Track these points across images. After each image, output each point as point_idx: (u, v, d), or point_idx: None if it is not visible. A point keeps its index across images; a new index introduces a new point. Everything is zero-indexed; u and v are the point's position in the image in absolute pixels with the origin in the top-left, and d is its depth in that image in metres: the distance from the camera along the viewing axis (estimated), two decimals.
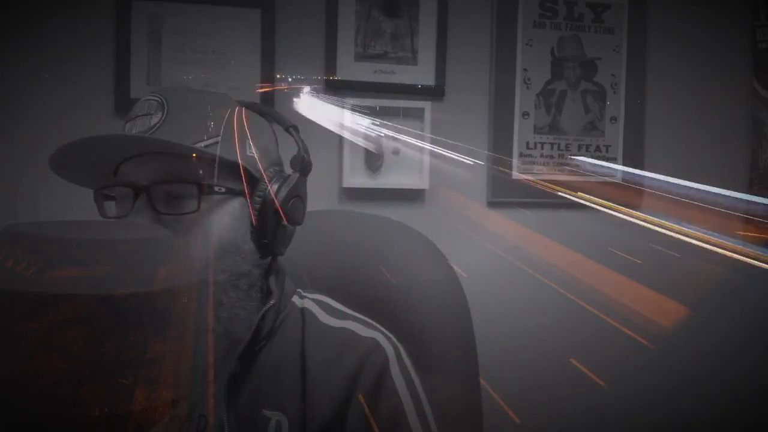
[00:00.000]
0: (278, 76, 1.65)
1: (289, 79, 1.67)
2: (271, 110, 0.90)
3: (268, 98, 1.63)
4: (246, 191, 0.80)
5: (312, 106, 1.68)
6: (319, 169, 1.69)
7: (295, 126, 0.88)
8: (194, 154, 0.75)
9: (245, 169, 0.79)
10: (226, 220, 0.78)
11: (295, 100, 1.67)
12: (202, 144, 0.76)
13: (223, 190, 0.77)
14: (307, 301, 0.88)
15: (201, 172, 0.76)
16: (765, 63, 1.92)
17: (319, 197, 1.67)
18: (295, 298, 0.88)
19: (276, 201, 0.80)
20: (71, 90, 1.55)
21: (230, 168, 0.78)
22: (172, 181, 0.76)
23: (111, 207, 0.81)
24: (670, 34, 1.89)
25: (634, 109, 1.87)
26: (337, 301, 0.90)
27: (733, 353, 1.85)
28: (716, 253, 1.79)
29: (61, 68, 1.55)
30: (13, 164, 1.49)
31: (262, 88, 1.63)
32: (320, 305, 0.88)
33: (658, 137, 1.89)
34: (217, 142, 0.77)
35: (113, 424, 0.46)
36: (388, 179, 1.72)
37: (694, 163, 1.90)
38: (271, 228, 0.80)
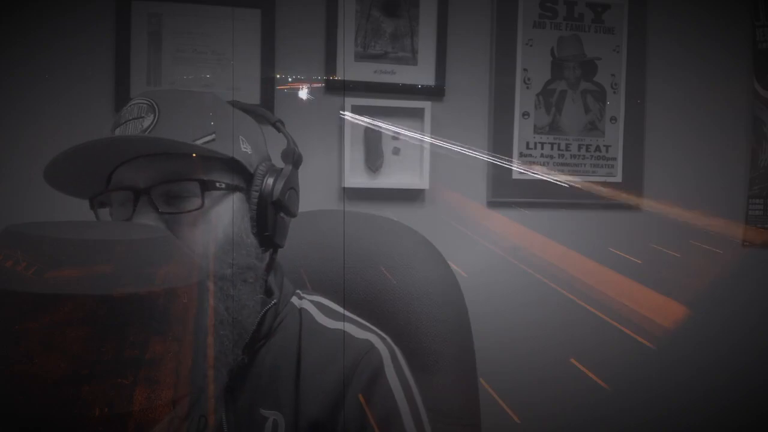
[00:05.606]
0: (278, 76, 1.65)
1: (289, 79, 1.67)
2: (256, 107, 0.91)
3: (268, 98, 1.63)
4: (243, 186, 0.81)
5: (312, 106, 1.68)
6: (319, 169, 1.70)
7: (281, 120, 0.89)
8: (202, 151, 0.76)
9: (241, 165, 0.80)
10: (228, 215, 0.78)
11: (295, 100, 1.67)
12: (199, 142, 0.77)
13: (224, 185, 0.78)
14: (305, 302, 0.88)
15: (200, 168, 0.76)
16: (765, 63, 1.92)
17: (319, 197, 1.68)
18: (294, 299, 0.88)
19: (273, 193, 0.81)
20: (72, 90, 1.55)
21: (227, 164, 0.79)
22: (173, 180, 0.76)
23: (105, 214, 0.81)
24: (670, 34, 1.89)
25: (634, 109, 1.87)
26: (335, 301, 0.90)
27: (733, 353, 1.85)
28: (716, 253, 1.80)
29: (62, 69, 1.55)
30: (13, 164, 1.49)
31: (263, 88, 1.63)
32: (318, 306, 0.88)
33: (658, 137, 1.89)
34: (213, 140, 0.78)
35: (113, 424, 0.46)
36: (388, 179, 1.72)
37: (694, 163, 1.91)
38: (270, 221, 0.81)
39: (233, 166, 0.79)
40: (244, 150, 0.81)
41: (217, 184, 0.77)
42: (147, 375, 0.47)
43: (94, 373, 0.45)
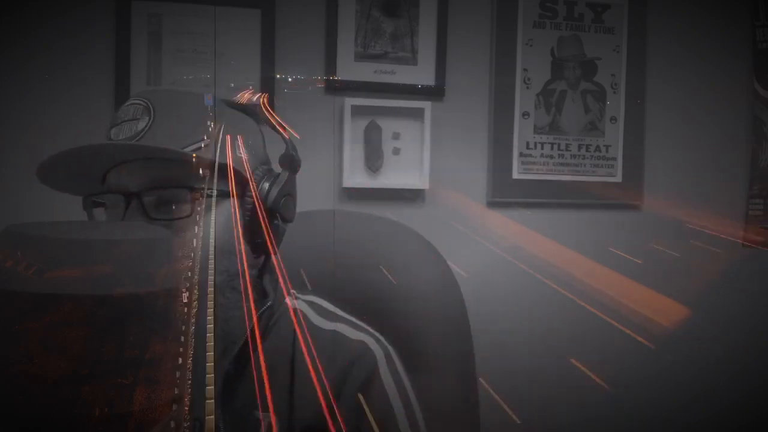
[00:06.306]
0: (278, 76, 1.65)
1: (289, 79, 1.67)
2: (258, 109, 0.89)
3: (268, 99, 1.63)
4: (237, 192, 0.79)
5: (312, 106, 1.68)
6: (319, 169, 1.70)
7: (282, 123, 0.87)
8: (190, 158, 0.75)
9: (235, 170, 0.78)
10: (219, 221, 0.77)
11: (295, 100, 1.67)
12: (191, 147, 0.76)
13: (216, 192, 0.77)
14: (300, 302, 0.88)
15: (192, 175, 0.75)
16: (765, 63, 1.92)
17: (319, 197, 1.68)
18: (289, 299, 0.87)
19: (267, 200, 0.80)
20: (72, 91, 1.55)
21: (220, 170, 0.77)
22: (163, 186, 0.75)
23: (100, 213, 0.81)
24: (670, 34, 1.89)
25: (634, 109, 1.87)
26: (334, 301, 0.90)
27: (733, 353, 1.85)
28: (716, 253, 1.79)
29: (62, 69, 1.55)
30: (13, 164, 1.49)
31: (262, 88, 1.63)
32: (312, 307, 0.87)
33: (658, 137, 1.89)
34: (206, 145, 0.77)
35: (113, 424, 0.46)
36: (388, 179, 1.72)
37: (694, 163, 1.91)
38: (264, 227, 0.80)
39: (226, 171, 0.78)
40: (239, 155, 0.79)
41: (208, 192, 0.76)
42: (147, 375, 0.47)
43: (94, 373, 0.45)
